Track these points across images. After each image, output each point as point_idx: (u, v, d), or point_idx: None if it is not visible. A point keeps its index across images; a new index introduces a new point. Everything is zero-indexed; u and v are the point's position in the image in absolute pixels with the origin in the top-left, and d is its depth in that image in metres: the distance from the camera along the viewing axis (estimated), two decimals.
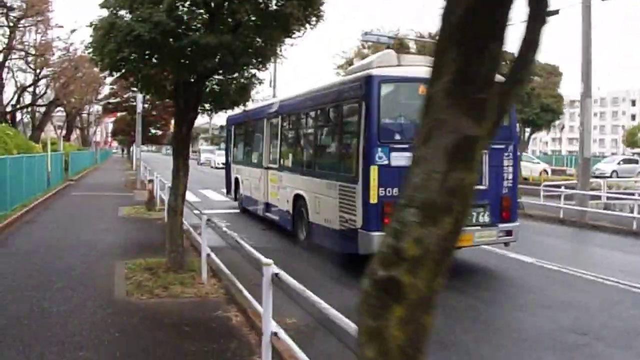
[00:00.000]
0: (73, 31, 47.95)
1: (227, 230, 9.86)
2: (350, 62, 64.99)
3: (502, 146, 11.42)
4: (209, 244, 10.19)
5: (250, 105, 13.83)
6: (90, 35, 9.11)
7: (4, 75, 43.69)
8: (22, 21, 40.60)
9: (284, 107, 16.24)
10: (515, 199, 12.04)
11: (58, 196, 25.19)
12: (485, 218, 11.33)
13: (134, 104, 33.30)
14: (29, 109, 50.87)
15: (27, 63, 45.84)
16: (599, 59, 28.25)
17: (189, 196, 15.38)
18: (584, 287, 10.77)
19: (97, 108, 70.99)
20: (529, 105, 26.60)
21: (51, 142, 38.00)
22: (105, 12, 8.92)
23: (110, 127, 73.46)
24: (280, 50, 9.52)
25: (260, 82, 11.20)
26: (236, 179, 21.54)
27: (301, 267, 11.49)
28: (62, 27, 45.44)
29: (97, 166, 59.98)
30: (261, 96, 19.29)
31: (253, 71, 10.68)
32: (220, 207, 22.40)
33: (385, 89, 11.00)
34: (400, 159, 10.28)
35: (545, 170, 45.39)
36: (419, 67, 10.44)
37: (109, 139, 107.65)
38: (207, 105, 11.30)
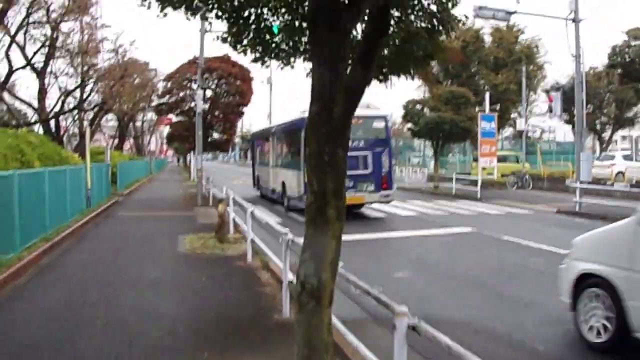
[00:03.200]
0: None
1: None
2: None
3: (381, 150, 20.84)
4: None
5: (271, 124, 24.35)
6: None
7: (47, 81, 39.06)
8: (65, 17, 35.75)
9: (276, 130, 26.62)
10: (390, 178, 21.17)
11: (99, 220, 19.69)
12: (371, 187, 20.56)
13: (192, 104, 27.91)
14: (76, 117, 46.19)
15: (72, 66, 41.06)
16: None
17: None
18: None
19: (151, 115, 66.67)
20: None
21: (97, 152, 33.01)
22: None
23: (166, 134, 68.57)
24: None
25: (458, 21, 5.30)
26: (257, 176, 31.45)
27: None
28: (109, 26, 40.43)
29: (151, 177, 55.00)
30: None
31: None
32: None
33: None
34: None
35: None
36: (365, 112, 19.53)
37: (164, 148, 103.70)
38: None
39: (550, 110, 28.62)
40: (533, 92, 59.69)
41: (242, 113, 28.61)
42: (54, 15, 35.12)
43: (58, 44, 36.89)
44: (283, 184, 23.81)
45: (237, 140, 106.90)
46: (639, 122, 64.98)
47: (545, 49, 58.12)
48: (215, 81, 27.79)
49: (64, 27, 36.87)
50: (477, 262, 12.68)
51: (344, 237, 4.08)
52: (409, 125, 38.10)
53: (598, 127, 67.69)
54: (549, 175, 38.18)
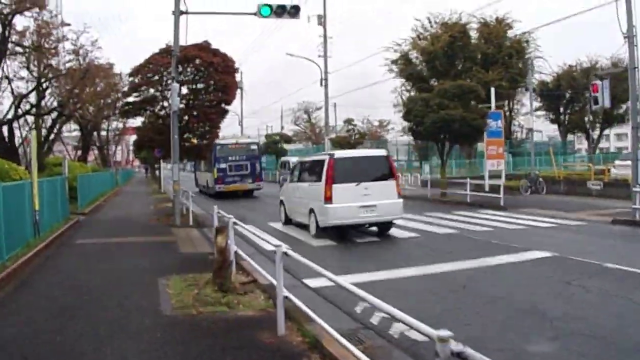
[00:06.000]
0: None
1: None
2: (405, 55, 55.13)
3: (254, 160, 38.13)
4: None
5: None
6: None
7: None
8: (18, 11, 31.03)
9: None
10: (260, 176, 38.82)
11: (50, 252, 14.78)
12: (249, 181, 37.59)
13: (165, 104, 23.16)
14: (33, 124, 41.27)
15: (27, 69, 36.25)
16: None
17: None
18: None
19: (116, 124, 62.13)
20: None
21: (55, 163, 28.26)
22: None
23: (133, 141, 63.43)
24: None
25: None
26: (196, 178, 46.80)
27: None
28: (69, 24, 35.75)
29: (117, 189, 50.52)
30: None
31: None
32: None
33: (218, 147, 36.54)
34: (223, 165, 37.04)
35: None
36: (231, 139, 40.30)
37: (131, 158, 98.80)
38: None
39: (595, 102, 24.27)
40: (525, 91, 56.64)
41: (226, 112, 23.67)
42: (6, 11, 30.46)
43: (10, 44, 32.24)
44: (206, 181, 39.99)
45: None
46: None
47: (536, 44, 54.54)
48: (193, 74, 22.87)
49: (19, 24, 32.55)
50: None
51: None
52: (409, 125, 33.65)
53: (587, 125, 64.30)
54: (564, 177, 34.14)
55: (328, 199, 16.40)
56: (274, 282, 7.92)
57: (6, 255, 12.31)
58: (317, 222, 17.06)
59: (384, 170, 17.24)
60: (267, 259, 12.67)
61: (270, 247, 9.50)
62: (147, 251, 14.76)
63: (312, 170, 18.46)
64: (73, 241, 16.88)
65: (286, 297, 7.32)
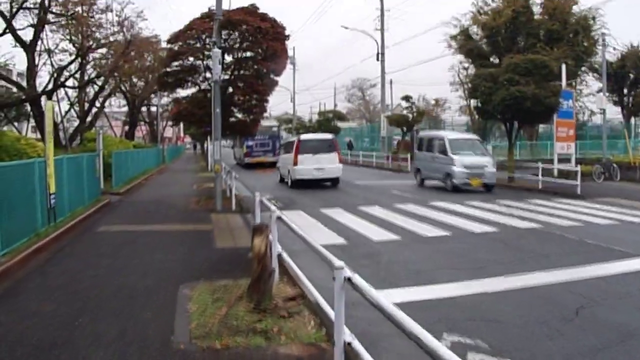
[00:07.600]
0: None
1: None
2: (465, 31, 52.11)
3: (275, 139, 48.83)
4: None
5: None
6: None
7: (40, 60, 33.04)
8: None
9: None
10: (279, 151, 40.70)
11: (63, 244, 12.58)
12: (271, 155, 47.01)
13: (208, 75, 20.90)
14: (74, 98, 39.79)
15: (70, 41, 34.57)
16: None
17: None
18: None
19: (167, 99, 60.62)
20: None
21: (90, 138, 26.41)
22: None
23: (182, 125, 61.69)
24: None
25: None
26: (234, 152, 56.41)
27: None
28: None
29: (163, 167, 48.92)
30: None
31: None
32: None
33: None
34: (250, 142, 47.27)
35: None
36: (267, 123, 47.33)
37: (182, 134, 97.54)
38: None
39: None
40: (588, 70, 53.42)
41: (275, 83, 21.25)
42: None
43: (50, 16, 30.61)
44: (239, 155, 50.77)
45: None
46: None
47: (602, 20, 50.66)
48: (239, 41, 20.46)
49: None
50: None
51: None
52: (475, 103, 30.98)
53: None
54: None
55: (295, 163, 26.47)
56: (330, 312, 5.58)
57: (4, 249, 10.17)
58: (291, 178, 27.25)
59: (330, 147, 27.39)
60: (318, 257, 10.38)
61: (321, 243, 7.02)
62: (177, 244, 12.52)
63: (289, 147, 28.78)
64: (95, 228, 14.68)
65: (349, 344, 4.94)
